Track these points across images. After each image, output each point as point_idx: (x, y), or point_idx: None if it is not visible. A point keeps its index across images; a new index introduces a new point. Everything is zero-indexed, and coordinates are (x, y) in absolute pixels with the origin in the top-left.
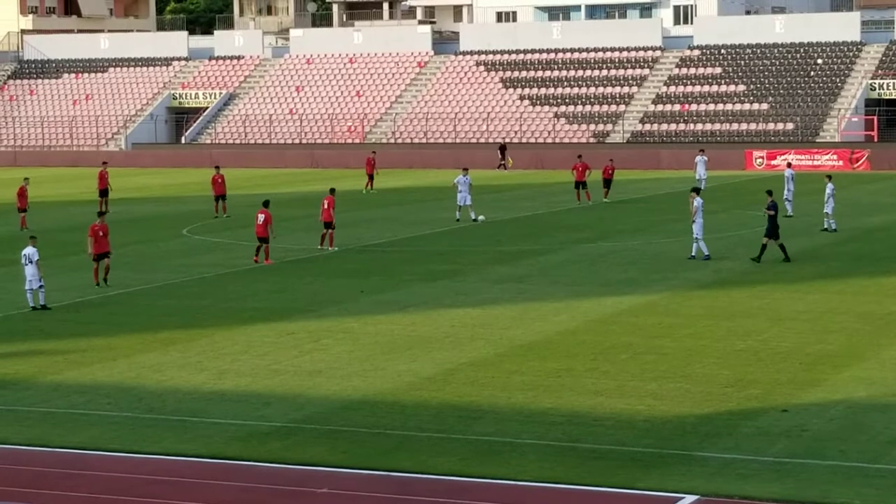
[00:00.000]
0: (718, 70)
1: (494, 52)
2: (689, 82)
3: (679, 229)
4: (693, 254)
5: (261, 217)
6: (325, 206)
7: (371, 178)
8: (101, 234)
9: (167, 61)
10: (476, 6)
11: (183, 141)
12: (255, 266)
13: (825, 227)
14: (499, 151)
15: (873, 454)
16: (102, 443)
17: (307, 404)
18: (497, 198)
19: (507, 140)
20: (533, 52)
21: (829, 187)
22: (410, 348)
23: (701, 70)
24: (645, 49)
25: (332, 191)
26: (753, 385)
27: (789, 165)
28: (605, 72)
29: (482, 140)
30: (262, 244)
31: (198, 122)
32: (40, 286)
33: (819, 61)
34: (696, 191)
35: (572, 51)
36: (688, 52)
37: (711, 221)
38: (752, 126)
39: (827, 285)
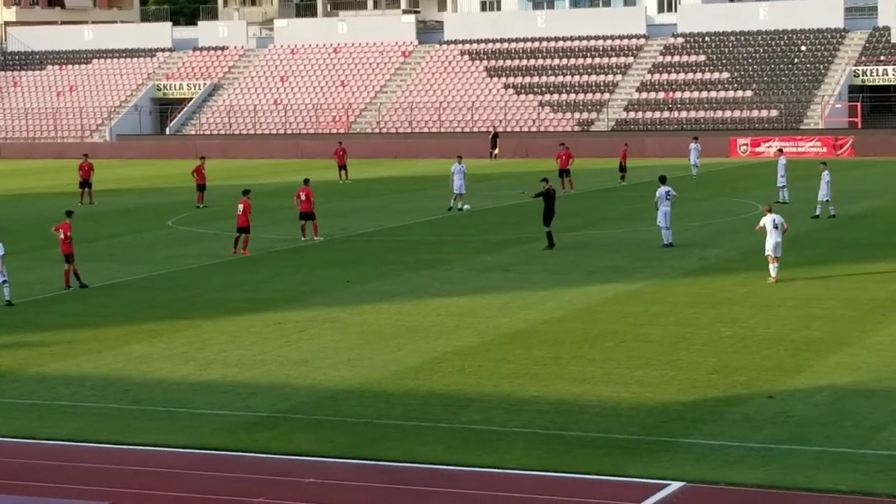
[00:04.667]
0: (702, 58)
1: (479, 41)
2: (673, 70)
3: None
4: (666, 242)
5: (240, 207)
6: (303, 198)
7: (344, 168)
8: (60, 235)
9: (151, 52)
10: None
11: (167, 132)
12: (240, 257)
13: (817, 213)
14: (490, 140)
15: (858, 439)
16: (89, 434)
17: (293, 394)
18: (482, 186)
19: (498, 129)
20: (517, 40)
21: (825, 174)
22: (397, 337)
23: (685, 58)
24: (629, 37)
25: (307, 181)
26: (739, 372)
27: (780, 152)
28: (589, 60)
29: (467, 129)
30: (240, 234)
31: (182, 112)
32: (4, 281)
33: (803, 48)
34: (663, 179)
35: (556, 39)
36: (672, 40)
37: (696, 209)
38: (737, 113)
39: (812, 272)
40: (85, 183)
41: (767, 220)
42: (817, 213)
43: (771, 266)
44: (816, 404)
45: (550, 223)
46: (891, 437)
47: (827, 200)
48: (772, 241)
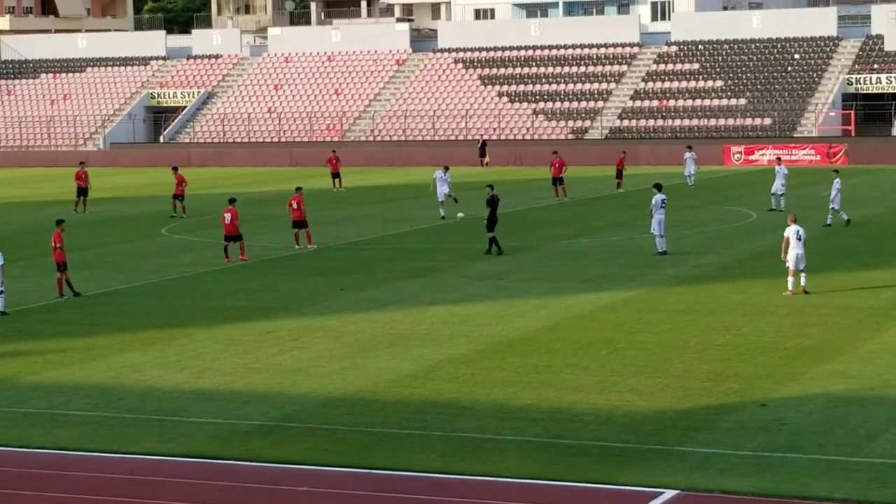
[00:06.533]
0: (696, 66)
1: (473, 50)
2: (666, 78)
3: None
4: (660, 250)
5: (227, 216)
6: (295, 206)
7: (337, 176)
8: (55, 243)
9: (145, 60)
10: (454, 3)
11: (161, 140)
12: (235, 265)
13: (828, 222)
14: (479, 148)
15: (852, 448)
16: (82, 443)
17: (287, 402)
18: (476, 194)
19: (487, 137)
20: (511, 49)
21: (837, 182)
22: (391, 346)
23: (679, 66)
24: (623, 45)
25: (299, 189)
26: (733, 379)
27: (779, 160)
28: (583, 68)
29: (461, 137)
30: (229, 243)
31: (176, 121)
32: (0, 292)
33: (796, 56)
34: (658, 186)
35: (550, 47)
36: (665, 48)
37: (690, 217)
38: (730, 121)
39: (789, 281)
40: (82, 191)
41: (791, 231)
42: (828, 221)
43: (790, 279)
44: (810, 412)
45: (493, 229)
46: (885, 446)
47: (833, 208)
48: (793, 252)
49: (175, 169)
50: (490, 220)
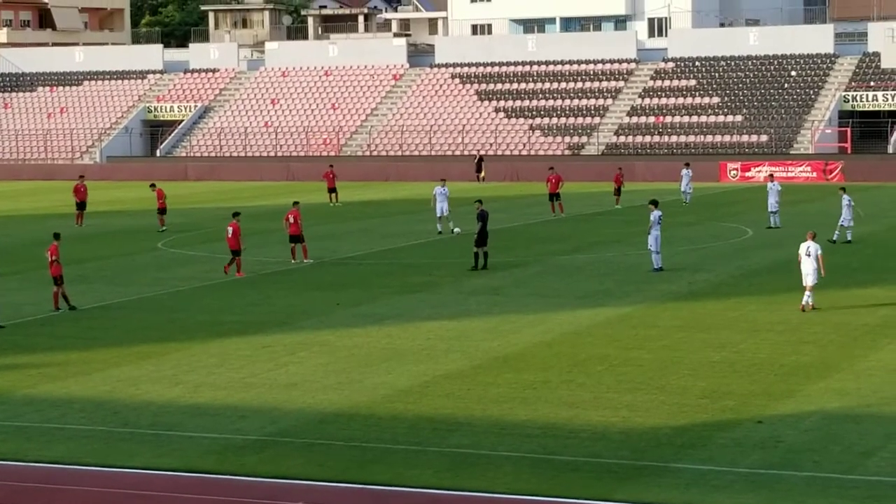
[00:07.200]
0: (693, 82)
1: (470, 65)
2: (663, 94)
3: None
4: (656, 266)
5: (230, 230)
6: (292, 221)
7: (334, 191)
8: (52, 256)
9: (142, 74)
10: (451, 19)
11: (158, 154)
12: (231, 279)
13: (834, 238)
14: (475, 164)
15: (848, 465)
16: (77, 457)
17: (283, 417)
18: (472, 210)
19: (483, 152)
20: (508, 64)
21: (846, 199)
22: (386, 361)
23: (675, 82)
24: (619, 61)
25: (296, 203)
26: (728, 396)
27: (772, 177)
28: (579, 84)
29: (458, 153)
30: (234, 256)
31: (173, 134)
32: None
33: (793, 73)
34: (655, 203)
35: (547, 63)
36: (662, 65)
37: (686, 233)
38: (727, 138)
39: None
40: (81, 204)
41: (801, 248)
42: (834, 237)
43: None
44: (806, 429)
45: (485, 244)
46: (880, 463)
47: (842, 225)
48: (803, 269)
49: (153, 185)
50: (481, 234)
